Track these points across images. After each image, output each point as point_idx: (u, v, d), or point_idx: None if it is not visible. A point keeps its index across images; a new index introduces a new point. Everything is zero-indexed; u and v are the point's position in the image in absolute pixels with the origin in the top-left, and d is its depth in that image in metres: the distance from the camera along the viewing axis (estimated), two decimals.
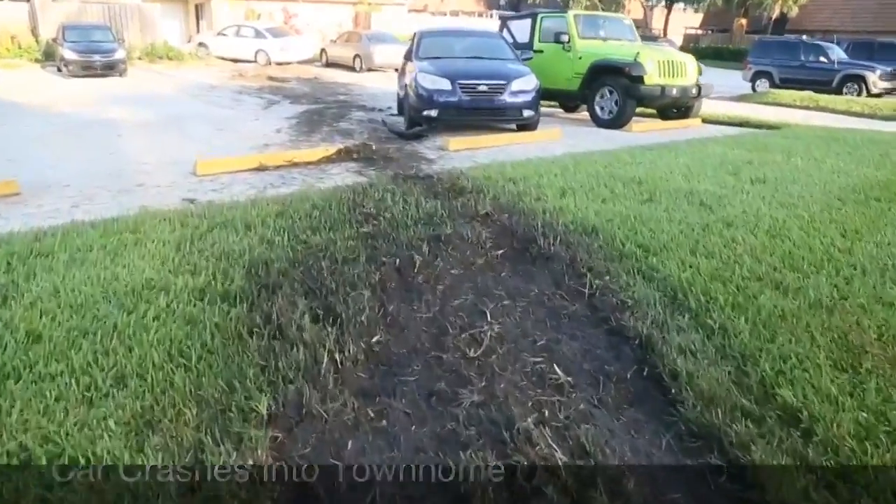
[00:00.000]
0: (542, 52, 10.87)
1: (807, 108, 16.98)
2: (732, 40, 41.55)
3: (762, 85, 19.97)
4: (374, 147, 6.94)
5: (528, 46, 11.05)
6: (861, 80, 18.28)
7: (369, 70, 21.88)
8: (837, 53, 19.39)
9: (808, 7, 37.85)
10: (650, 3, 47.56)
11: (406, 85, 9.06)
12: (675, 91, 9.86)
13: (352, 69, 22.21)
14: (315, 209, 4.26)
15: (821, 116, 15.49)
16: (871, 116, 15.88)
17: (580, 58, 10.45)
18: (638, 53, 9.75)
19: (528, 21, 11.49)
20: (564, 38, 10.49)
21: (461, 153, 7.44)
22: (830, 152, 7.35)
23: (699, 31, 46.16)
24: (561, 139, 8.69)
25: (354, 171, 6.21)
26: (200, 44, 23.07)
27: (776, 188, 5.41)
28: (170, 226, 3.90)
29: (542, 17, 11.26)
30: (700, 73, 10.65)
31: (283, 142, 8.03)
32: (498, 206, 4.45)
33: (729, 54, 35.20)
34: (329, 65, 23.46)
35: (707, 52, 34.35)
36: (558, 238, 3.75)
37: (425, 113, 8.43)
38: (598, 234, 3.95)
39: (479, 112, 8.47)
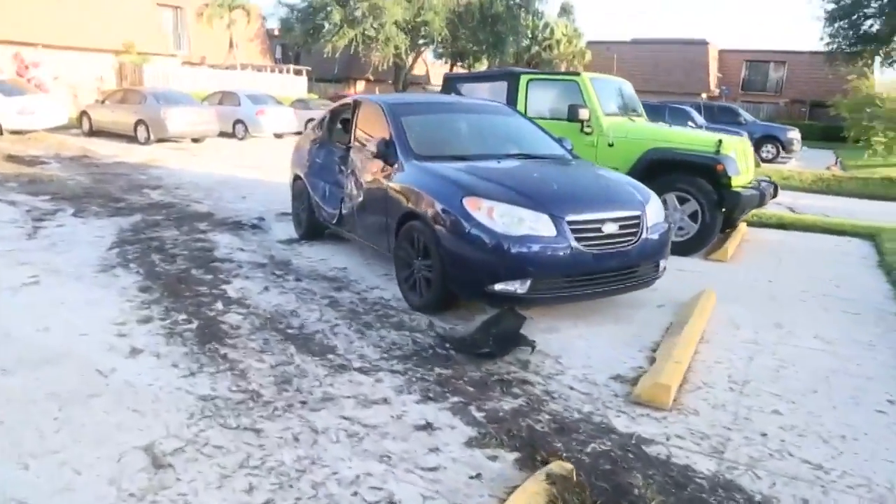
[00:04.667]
0: None
1: None
2: None
3: None
4: None
5: None
6: None
7: (160, 141, 15.76)
8: (698, 118, 18.70)
9: (591, 67, 39.66)
10: (440, 60, 46.47)
11: (411, 210, 4.39)
12: (770, 192, 6.60)
13: (132, 140, 15.83)
14: None
15: None
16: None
17: (611, 145, 6.72)
18: (720, 142, 6.30)
19: (501, 85, 7.46)
20: (583, 113, 6.66)
21: (699, 420, 3.04)
22: None
23: None
24: (718, 305, 4.73)
25: None
26: None
27: None
28: None
29: (528, 81, 7.30)
30: (757, 163, 7.62)
31: (193, 439, 2.78)
32: None
33: None
34: (94, 133, 16.66)
35: None
36: None
37: (500, 287, 3.84)
38: None
39: (605, 278, 4.11)
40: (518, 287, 3.86)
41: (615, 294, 4.29)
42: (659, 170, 6.43)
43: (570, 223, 3.92)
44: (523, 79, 7.29)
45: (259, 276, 5.21)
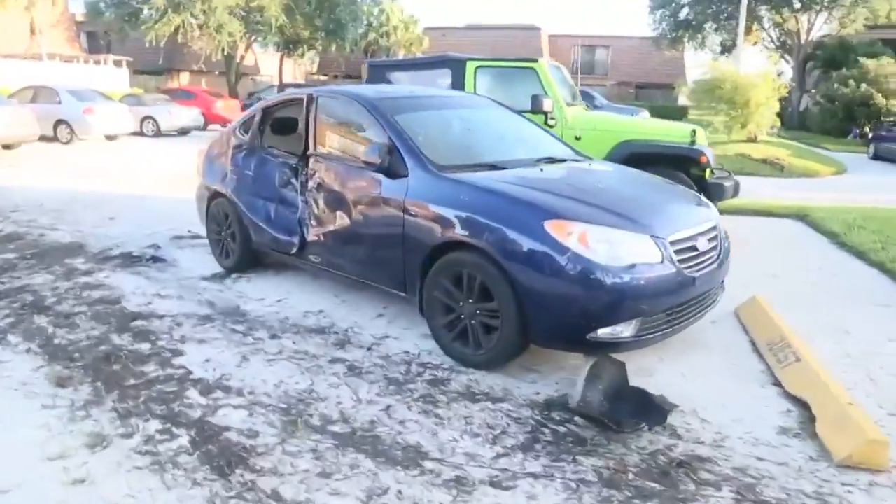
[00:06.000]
0: None
1: None
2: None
3: None
4: None
5: None
6: None
7: None
8: None
9: (432, 51, 39.45)
10: (265, 49, 43.41)
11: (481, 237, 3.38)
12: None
13: None
14: None
15: None
16: None
17: (578, 138, 6.14)
18: (694, 132, 5.96)
19: (443, 73, 6.55)
20: (545, 104, 5.99)
21: None
22: None
23: (323, 77, 44.44)
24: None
25: None
26: None
27: None
28: None
29: (477, 68, 6.44)
30: None
31: None
32: None
33: None
34: None
35: None
36: None
37: (605, 333, 3.02)
38: None
39: (695, 304, 3.41)
40: (624, 330, 3.06)
41: (696, 321, 3.63)
42: (633, 163, 5.92)
43: (672, 244, 3.18)
44: (470, 66, 6.43)
45: (217, 338, 3.87)
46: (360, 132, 4.15)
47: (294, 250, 4.56)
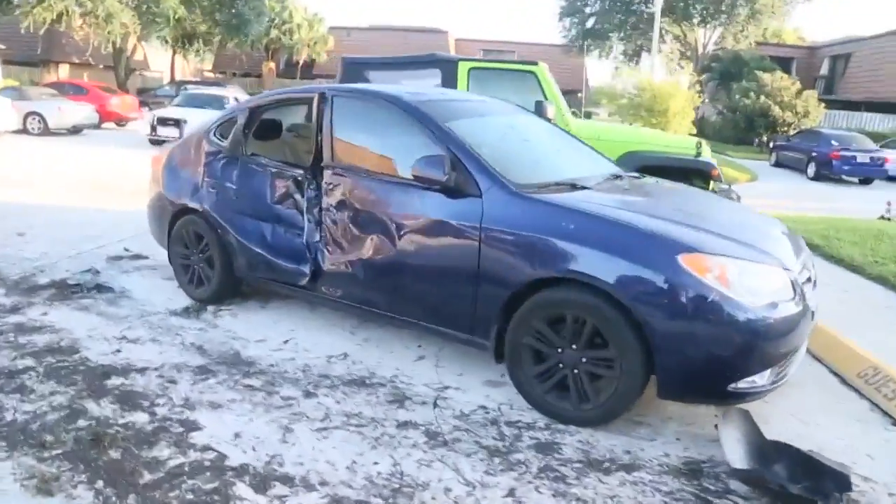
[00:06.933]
0: None
1: None
2: (265, 84, 38.94)
3: None
4: None
5: None
6: None
7: None
8: None
9: (334, 52, 38.12)
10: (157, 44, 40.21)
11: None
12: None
13: None
14: None
15: None
16: None
17: None
18: (700, 143, 5.75)
19: (431, 73, 5.95)
20: (550, 111, 5.57)
21: None
22: None
23: (219, 75, 41.98)
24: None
25: None
26: None
27: None
28: None
29: (471, 69, 5.89)
30: None
31: None
32: None
33: None
34: None
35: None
36: None
37: (746, 383, 2.58)
38: None
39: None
40: (759, 379, 2.64)
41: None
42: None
43: (799, 274, 2.81)
44: (463, 67, 5.87)
45: (234, 399, 3.07)
46: (396, 141, 3.49)
47: (304, 281, 3.80)
